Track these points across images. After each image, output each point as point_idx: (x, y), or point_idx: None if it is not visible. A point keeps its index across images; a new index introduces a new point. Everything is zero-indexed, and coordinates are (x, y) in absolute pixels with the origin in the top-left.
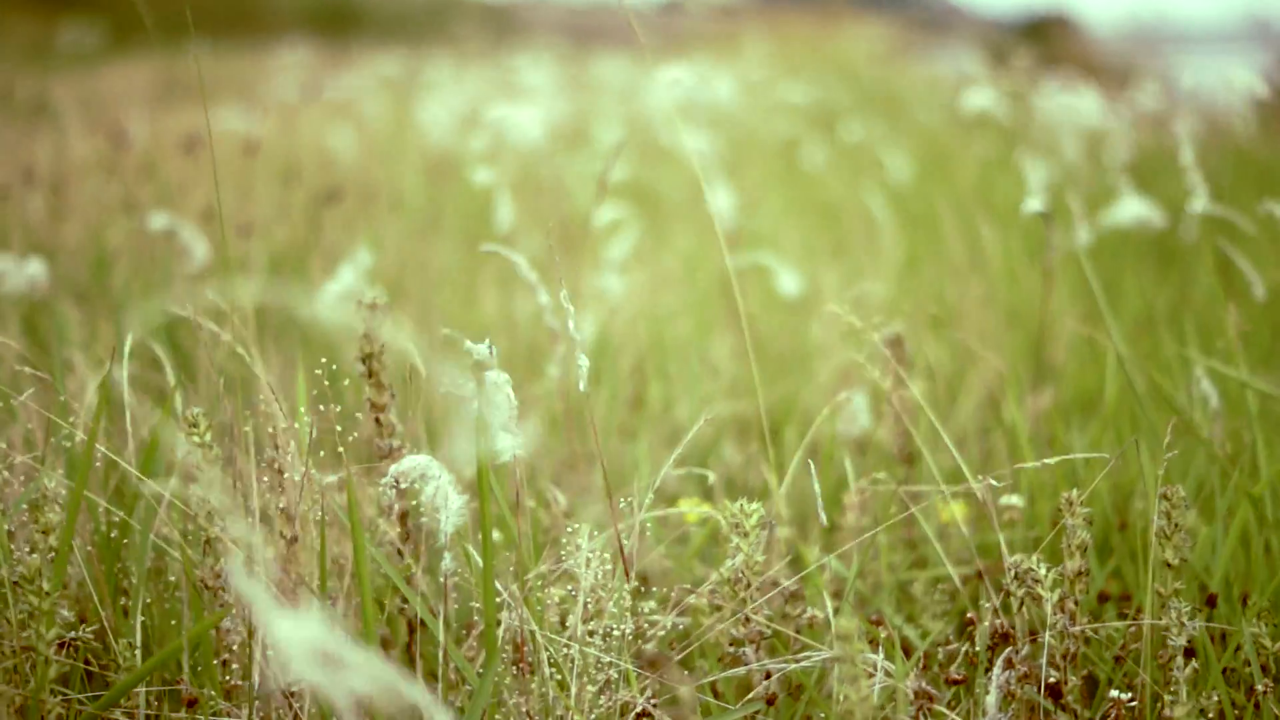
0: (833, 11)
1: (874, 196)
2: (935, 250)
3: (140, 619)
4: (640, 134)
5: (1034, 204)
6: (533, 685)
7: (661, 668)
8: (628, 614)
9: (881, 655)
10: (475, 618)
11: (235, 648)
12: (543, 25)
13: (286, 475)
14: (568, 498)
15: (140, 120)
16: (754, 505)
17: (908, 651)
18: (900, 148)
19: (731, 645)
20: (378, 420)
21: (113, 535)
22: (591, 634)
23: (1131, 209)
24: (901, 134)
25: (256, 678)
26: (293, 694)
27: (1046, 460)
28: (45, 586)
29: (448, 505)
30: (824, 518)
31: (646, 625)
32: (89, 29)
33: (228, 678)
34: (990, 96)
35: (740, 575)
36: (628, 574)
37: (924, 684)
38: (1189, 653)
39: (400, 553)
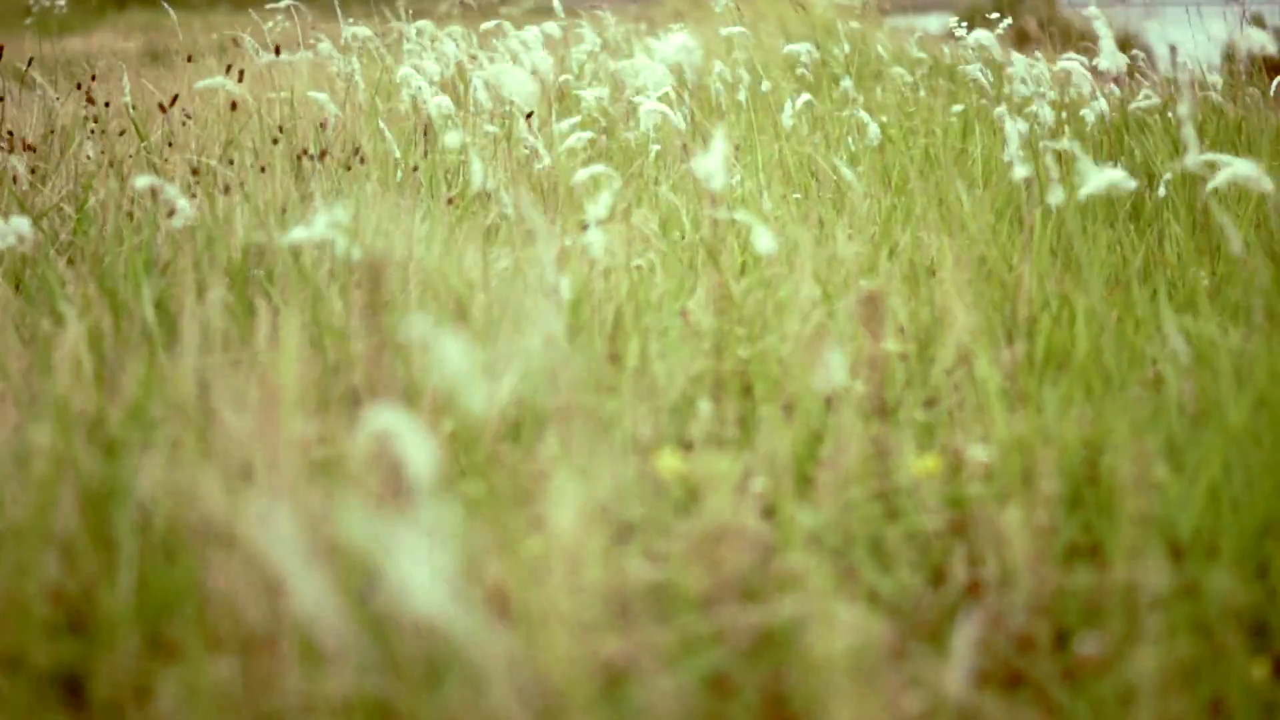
0: None
1: (850, 156)
2: (911, 208)
3: (127, 570)
4: (620, 95)
5: (1019, 170)
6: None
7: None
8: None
9: (854, 606)
10: None
11: (222, 597)
12: None
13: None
14: (547, 450)
15: (125, 81)
16: (730, 459)
17: (880, 602)
18: (877, 106)
19: (707, 596)
20: (375, 372)
21: (100, 487)
22: (569, 585)
23: (1104, 177)
24: (878, 93)
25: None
26: (274, 641)
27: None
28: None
29: (420, 456)
30: None
31: (623, 576)
32: None
33: (215, 626)
34: (967, 55)
35: (715, 528)
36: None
37: (896, 635)
38: (1158, 604)
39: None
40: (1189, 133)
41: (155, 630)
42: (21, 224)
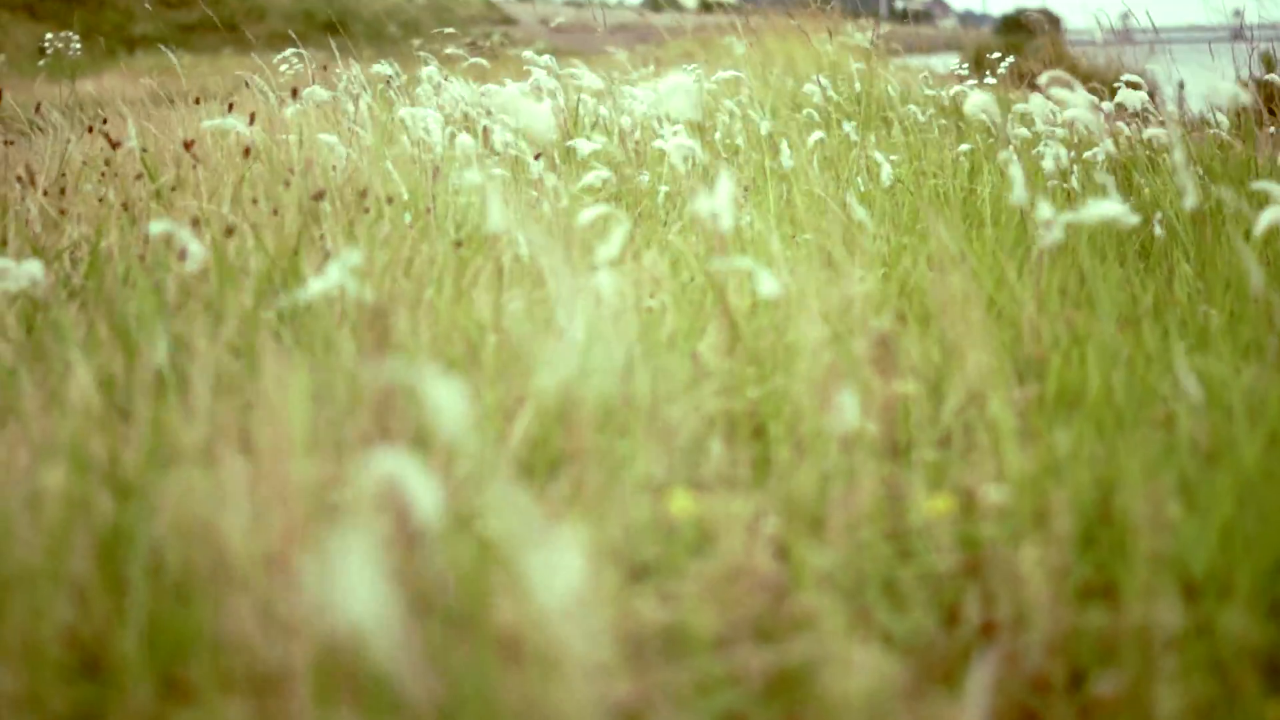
0: (816, 11)
1: (859, 194)
2: (920, 247)
3: (140, 612)
4: (628, 136)
5: (1040, 210)
6: (522, 674)
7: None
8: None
9: (868, 647)
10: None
11: (235, 638)
12: (534, 32)
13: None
14: (559, 491)
15: (136, 124)
16: (742, 499)
17: (894, 643)
18: (886, 146)
19: (720, 637)
20: (383, 414)
21: (113, 529)
22: (580, 626)
23: (1101, 209)
24: (886, 132)
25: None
26: (287, 682)
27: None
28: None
29: (427, 499)
30: None
31: (636, 617)
32: (72, 36)
33: (228, 667)
34: (980, 98)
35: (728, 568)
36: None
37: (910, 675)
38: (1173, 644)
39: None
40: (1183, 178)
41: (169, 672)
42: (34, 267)
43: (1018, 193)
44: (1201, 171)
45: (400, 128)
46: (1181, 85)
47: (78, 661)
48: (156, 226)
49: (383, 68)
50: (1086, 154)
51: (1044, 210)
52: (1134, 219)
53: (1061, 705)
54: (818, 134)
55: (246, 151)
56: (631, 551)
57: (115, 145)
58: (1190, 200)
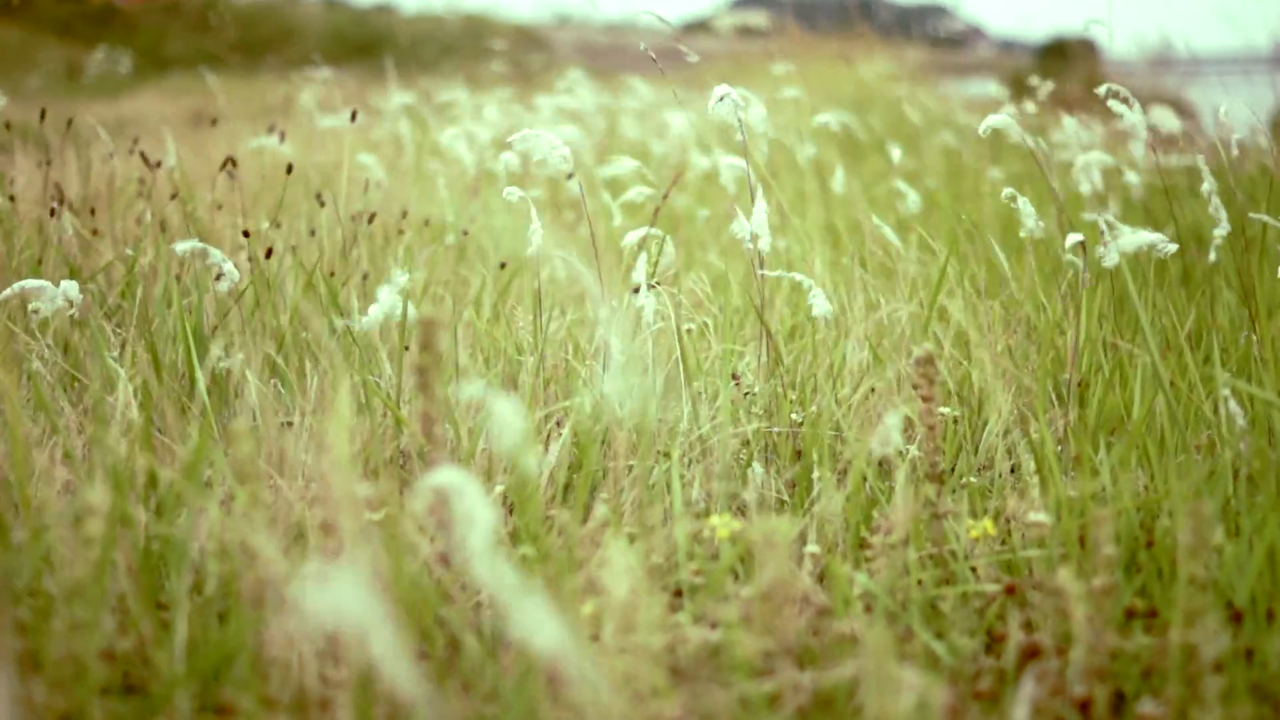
0: (854, 36)
1: (899, 219)
2: (960, 272)
3: (181, 630)
4: (669, 157)
5: (1073, 236)
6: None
7: (692, 680)
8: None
9: (911, 669)
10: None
11: (276, 657)
12: (568, 57)
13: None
14: (600, 512)
15: (173, 143)
16: (786, 520)
17: (937, 665)
18: (925, 170)
19: (763, 658)
20: (428, 432)
21: (153, 548)
22: (624, 649)
23: (1139, 239)
24: (926, 157)
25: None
26: (328, 701)
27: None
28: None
29: (478, 520)
30: None
31: (678, 639)
32: (118, 55)
33: (268, 687)
34: (1011, 120)
35: (770, 590)
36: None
37: (953, 698)
38: (1216, 668)
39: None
40: (1216, 203)
41: (209, 690)
42: (70, 287)
43: (1029, 225)
44: (1243, 198)
45: (436, 149)
46: (1222, 110)
47: (119, 679)
48: (182, 246)
49: (419, 89)
50: (1124, 179)
51: (1072, 238)
52: (1172, 247)
53: None
54: (860, 157)
55: (290, 168)
56: (673, 573)
57: (154, 165)
58: (1223, 229)
